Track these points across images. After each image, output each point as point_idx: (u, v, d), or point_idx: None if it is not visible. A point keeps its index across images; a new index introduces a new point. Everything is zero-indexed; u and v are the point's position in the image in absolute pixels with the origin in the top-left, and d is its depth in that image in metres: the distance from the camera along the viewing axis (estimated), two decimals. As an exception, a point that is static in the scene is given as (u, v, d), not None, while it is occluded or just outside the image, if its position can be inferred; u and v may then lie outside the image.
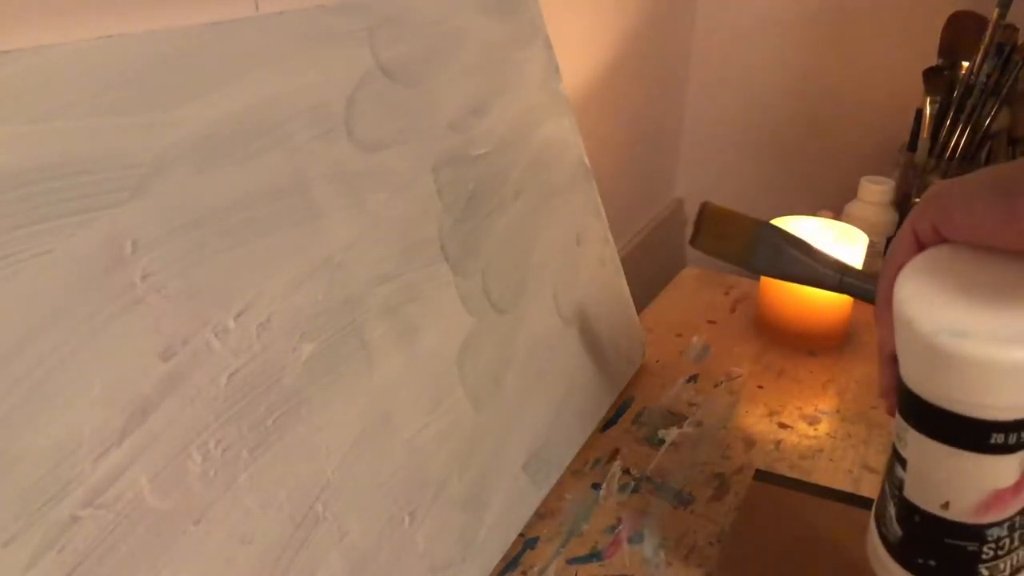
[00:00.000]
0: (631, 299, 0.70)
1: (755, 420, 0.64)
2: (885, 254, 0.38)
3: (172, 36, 0.35)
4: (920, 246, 0.35)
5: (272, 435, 0.36)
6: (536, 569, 0.50)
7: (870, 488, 0.57)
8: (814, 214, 0.80)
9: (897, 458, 0.37)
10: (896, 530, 0.37)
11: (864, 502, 0.54)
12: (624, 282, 0.70)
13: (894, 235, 0.91)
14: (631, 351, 0.69)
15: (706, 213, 0.54)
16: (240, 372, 0.35)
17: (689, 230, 0.55)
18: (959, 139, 0.86)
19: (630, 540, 0.52)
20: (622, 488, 0.57)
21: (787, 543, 0.51)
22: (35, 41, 0.30)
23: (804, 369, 0.72)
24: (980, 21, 0.84)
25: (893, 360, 0.36)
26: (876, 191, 0.87)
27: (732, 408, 0.66)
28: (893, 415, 0.37)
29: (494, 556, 0.48)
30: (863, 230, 0.75)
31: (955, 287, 0.32)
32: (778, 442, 0.62)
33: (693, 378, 0.70)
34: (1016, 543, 0.35)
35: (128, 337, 0.31)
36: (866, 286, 0.50)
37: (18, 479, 0.27)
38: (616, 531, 0.53)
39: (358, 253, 0.42)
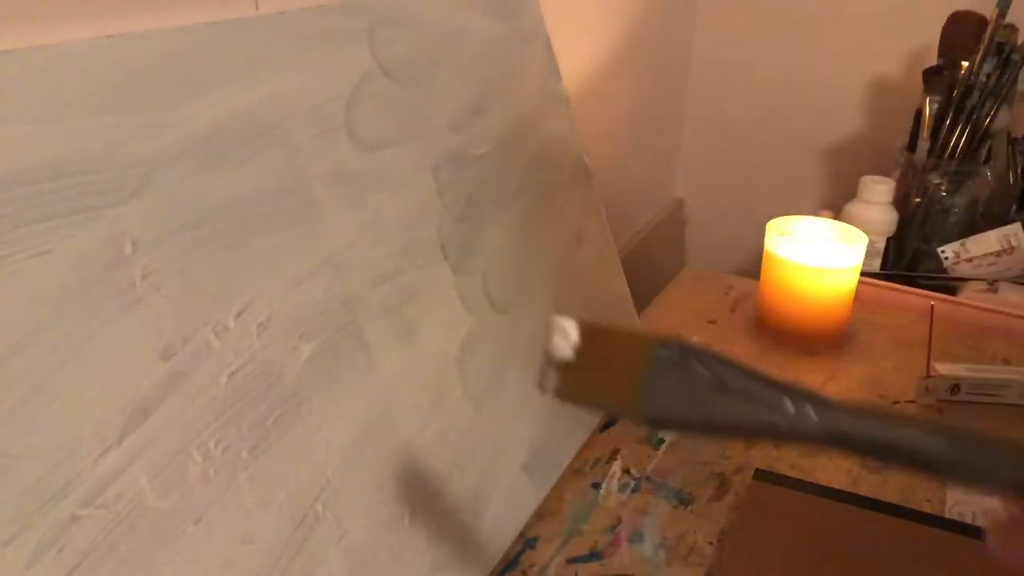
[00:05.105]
0: (631, 299, 0.70)
1: (755, 420, 0.64)
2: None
3: (172, 36, 0.35)
4: None
5: (272, 435, 0.36)
6: (536, 569, 0.50)
7: (869, 487, 0.57)
8: (814, 214, 0.80)
9: None
10: None
11: (863, 501, 0.54)
12: (624, 282, 0.70)
13: (894, 236, 0.92)
14: (631, 351, 0.68)
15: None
16: (240, 371, 0.35)
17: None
18: (959, 139, 0.86)
19: (630, 540, 0.52)
20: (622, 488, 0.57)
21: (787, 543, 0.51)
22: (35, 41, 0.30)
23: (804, 369, 0.72)
24: (980, 21, 0.84)
25: None
26: (876, 191, 0.87)
27: (732, 408, 0.66)
28: None
29: (494, 556, 0.48)
30: (863, 230, 0.75)
31: None
32: (778, 442, 0.62)
33: (693, 378, 0.70)
34: None
35: (128, 337, 0.31)
36: (868, 432, 0.28)
37: (18, 479, 0.27)
38: (616, 531, 0.53)
39: (358, 253, 0.42)
